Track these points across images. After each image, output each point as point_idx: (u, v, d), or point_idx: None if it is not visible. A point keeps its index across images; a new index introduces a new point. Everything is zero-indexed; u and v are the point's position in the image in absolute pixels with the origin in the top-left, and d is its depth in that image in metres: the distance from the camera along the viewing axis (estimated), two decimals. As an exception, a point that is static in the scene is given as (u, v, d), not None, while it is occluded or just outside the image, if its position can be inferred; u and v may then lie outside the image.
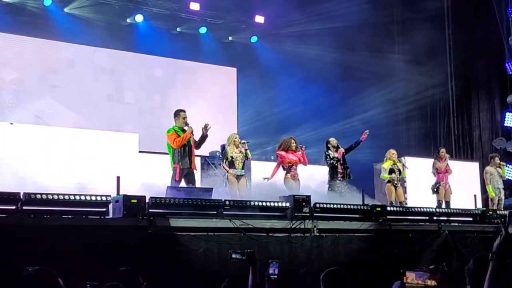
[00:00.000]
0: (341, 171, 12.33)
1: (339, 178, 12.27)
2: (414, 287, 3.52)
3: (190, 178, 10.60)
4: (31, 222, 7.89)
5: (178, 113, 10.85)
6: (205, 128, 10.92)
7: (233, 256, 5.11)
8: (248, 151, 11.63)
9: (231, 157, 11.40)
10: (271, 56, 19.26)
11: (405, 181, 14.67)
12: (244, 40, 19.68)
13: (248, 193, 11.39)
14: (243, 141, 11.68)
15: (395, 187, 13.16)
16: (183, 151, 10.55)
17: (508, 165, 16.85)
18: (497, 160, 14.76)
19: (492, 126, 19.93)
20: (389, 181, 13.17)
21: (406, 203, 14.22)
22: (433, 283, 3.47)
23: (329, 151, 12.49)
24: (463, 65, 20.18)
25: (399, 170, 13.24)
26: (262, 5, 18.62)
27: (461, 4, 19.58)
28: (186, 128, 10.66)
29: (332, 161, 12.36)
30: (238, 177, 11.38)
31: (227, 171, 11.37)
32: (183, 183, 10.70)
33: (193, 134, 10.82)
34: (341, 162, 12.41)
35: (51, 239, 7.68)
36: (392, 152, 13.41)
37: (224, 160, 11.57)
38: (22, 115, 14.72)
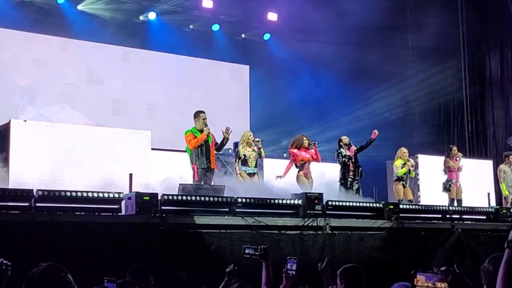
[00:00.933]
0: (352, 169, 12.31)
1: (350, 176, 12.24)
2: None
3: (209, 176, 10.60)
4: (44, 219, 7.92)
5: (198, 114, 10.86)
6: (227, 131, 10.95)
7: (247, 251, 5.10)
8: (261, 149, 11.64)
9: (244, 155, 11.40)
10: (284, 53, 19.23)
11: (418, 179, 14.61)
12: (257, 38, 19.67)
13: (261, 190, 11.39)
14: (257, 139, 11.69)
15: (404, 186, 13.10)
16: (200, 151, 10.58)
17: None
18: (511, 158, 14.65)
19: (507, 124, 19.81)
20: (398, 180, 13.11)
21: (419, 201, 14.18)
22: (444, 285, 3.44)
23: (341, 149, 12.48)
24: (477, 62, 20.07)
25: (409, 170, 13.17)
26: (275, 3, 18.59)
27: (475, 0, 19.47)
28: (204, 129, 10.65)
29: (344, 159, 12.34)
30: (250, 175, 11.38)
31: (237, 173, 11.37)
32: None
33: (211, 135, 10.80)
34: (353, 160, 12.38)
35: (64, 236, 7.72)
36: (404, 151, 13.35)
37: (237, 160, 11.56)
38: (35, 116, 14.77)
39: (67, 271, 3.19)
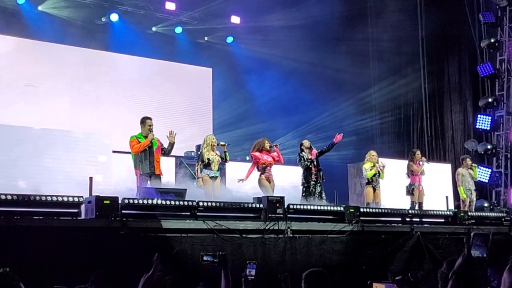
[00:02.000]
0: (315, 172, 12.37)
1: (313, 179, 12.30)
2: None
3: (154, 182, 10.53)
4: (2, 223, 7.77)
5: (144, 120, 10.78)
6: (170, 134, 10.88)
7: (205, 258, 5.06)
8: (227, 153, 11.63)
9: (208, 159, 11.36)
10: (247, 56, 19.25)
11: (379, 182, 14.75)
12: (220, 41, 19.66)
13: (223, 194, 11.39)
14: (222, 142, 11.66)
15: (374, 189, 13.21)
16: (143, 156, 10.50)
17: (479, 166, 17.04)
18: (468, 161, 14.86)
19: (464, 128, 20.16)
20: (368, 183, 13.22)
21: (380, 205, 14.31)
22: None
23: (303, 153, 12.53)
24: (436, 67, 20.40)
25: (379, 172, 13.29)
26: (238, 6, 18.61)
27: (434, 8, 19.76)
28: (149, 135, 10.60)
29: (306, 162, 12.39)
30: (213, 178, 11.37)
31: (199, 177, 11.34)
32: None
33: (157, 141, 10.73)
34: (315, 164, 12.44)
35: (22, 241, 7.60)
36: (373, 154, 13.45)
37: (200, 162, 11.53)
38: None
39: (19, 279, 3.14)
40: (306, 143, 12.67)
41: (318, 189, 12.33)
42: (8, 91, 15.78)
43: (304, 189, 12.32)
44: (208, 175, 11.32)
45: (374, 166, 13.21)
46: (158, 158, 10.67)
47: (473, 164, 15.00)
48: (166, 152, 11.00)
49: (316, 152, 12.56)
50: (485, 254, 2.63)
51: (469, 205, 14.44)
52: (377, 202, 13.15)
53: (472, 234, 2.69)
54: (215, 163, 11.41)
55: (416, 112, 20.46)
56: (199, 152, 12.12)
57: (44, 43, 16.62)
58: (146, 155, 10.50)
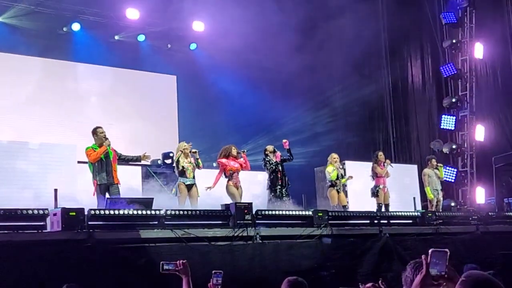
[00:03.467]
0: (280, 176, 12.37)
1: (279, 183, 12.29)
2: None
3: (112, 192, 10.44)
4: (-35, 239, 7.66)
5: (95, 130, 10.73)
6: (144, 157, 10.89)
7: (165, 267, 4.99)
8: (199, 160, 11.58)
9: (183, 166, 11.31)
10: (211, 62, 19.18)
11: (345, 185, 14.81)
12: (183, 48, 19.56)
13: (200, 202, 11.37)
14: (194, 150, 11.60)
15: (338, 192, 13.26)
16: (100, 166, 10.43)
17: (445, 167, 17.20)
18: (434, 162, 15.00)
19: (429, 128, 20.37)
20: (331, 185, 13.26)
21: (347, 207, 14.36)
22: None
23: (268, 157, 12.52)
24: (399, 69, 20.58)
25: (341, 175, 13.35)
26: (201, 12, 18.55)
27: (396, 8, 19.92)
28: (104, 142, 10.51)
29: (272, 166, 12.38)
30: (189, 186, 11.29)
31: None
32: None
33: (112, 150, 10.65)
34: (280, 169, 12.44)
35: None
36: (334, 157, 13.50)
37: (176, 170, 11.49)
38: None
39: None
40: (269, 147, 12.71)
41: (285, 193, 12.33)
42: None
43: (271, 193, 12.31)
44: (184, 183, 11.27)
45: (335, 168, 13.26)
46: (115, 167, 10.63)
47: (439, 164, 15.13)
48: (126, 160, 10.93)
49: (280, 154, 12.57)
50: (444, 271, 2.63)
51: (437, 205, 14.58)
52: (344, 206, 13.18)
53: (430, 251, 2.69)
54: (190, 170, 11.36)
55: (380, 114, 20.62)
56: (175, 160, 11.97)
57: (4, 54, 16.36)
58: (103, 165, 10.42)
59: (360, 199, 14.71)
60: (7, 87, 16.23)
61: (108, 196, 10.22)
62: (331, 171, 13.23)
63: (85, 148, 10.61)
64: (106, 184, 10.39)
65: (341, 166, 13.53)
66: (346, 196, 14.45)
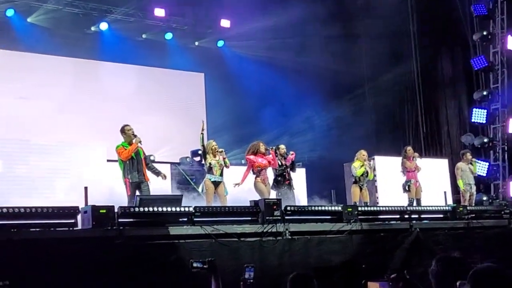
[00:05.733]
0: (287, 178, 12.25)
1: (286, 184, 12.17)
2: None
3: (143, 189, 10.48)
4: (-1, 237, 7.76)
5: (123, 129, 10.74)
6: (163, 176, 10.94)
7: (194, 265, 5.05)
8: (226, 160, 11.56)
9: (210, 163, 11.33)
10: (238, 59, 19.22)
11: (375, 181, 14.73)
12: (210, 45, 19.61)
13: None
14: (220, 149, 11.59)
15: (361, 188, 13.15)
16: (131, 165, 10.44)
17: (477, 160, 16.99)
18: (468, 156, 14.83)
19: (460, 122, 20.15)
20: (355, 182, 13.16)
21: (377, 203, 14.28)
22: None
23: (278, 157, 12.30)
24: (429, 62, 20.36)
25: (367, 172, 13.23)
26: (228, 9, 18.57)
27: (425, 2, 19.73)
28: (134, 140, 10.55)
29: (281, 168, 12.23)
30: (215, 183, 11.29)
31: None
32: None
33: (141, 148, 10.69)
34: (288, 172, 12.30)
35: (20, 253, 7.57)
36: (363, 153, 13.39)
37: (205, 167, 11.52)
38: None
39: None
40: (282, 149, 12.39)
41: (290, 193, 12.15)
42: (2, 104, 15.71)
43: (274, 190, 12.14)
44: (210, 179, 11.27)
45: (363, 165, 13.15)
46: (145, 165, 10.68)
47: (473, 159, 14.97)
48: (148, 167, 10.92)
49: (292, 158, 12.40)
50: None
51: (469, 199, 14.41)
52: (365, 202, 13.06)
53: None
54: (217, 167, 11.35)
55: (410, 108, 20.43)
56: (202, 157, 11.98)
57: (34, 54, 16.56)
58: (134, 163, 10.45)
59: (391, 195, 14.60)
60: (37, 88, 16.41)
61: (138, 194, 10.26)
62: (357, 167, 13.12)
63: (115, 146, 10.64)
64: (137, 182, 10.43)
65: (369, 164, 13.36)
66: (376, 191, 14.35)
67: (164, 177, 10.96)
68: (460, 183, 14.47)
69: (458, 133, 19.86)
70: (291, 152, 12.47)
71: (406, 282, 3.39)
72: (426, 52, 20.25)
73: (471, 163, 14.70)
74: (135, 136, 10.58)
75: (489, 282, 2.64)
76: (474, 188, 14.67)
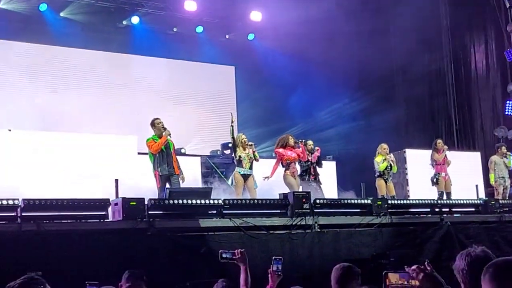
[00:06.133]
0: (313, 173, 12.24)
1: (311, 179, 12.16)
2: (398, 287, 3.48)
3: (173, 182, 10.54)
4: (31, 228, 7.89)
5: (153, 122, 10.78)
6: (182, 177, 10.90)
7: (224, 256, 5.11)
8: (256, 153, 11.59)
9: (239, 156, 11.37)
10: (269, 52, 19.20)
11: (406, 174, 14.63)
12: (241, 38, 19.61)
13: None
14: (250, 143, 11.62)
15: (386, 182, 13.06)
16: (161, 157, 10.50)
17: (511, 154, 16.75)
18: (503, 149, 14.66)
19: (494, 115, 19.86)
20: (380, 175, 13.07)
21: (408, 196, 14.19)
22: (416, 283, 3.44)
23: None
24: (462, 55, 20.12)
25: (390, 165, 13.12)
26: (258, 2, 18.56)
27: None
28: (164, 132, 10.60)
29: (308, 163, 12.23)
30: (245, 176, 11.31)
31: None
32: None
33: (171, 141, 10.74)
34: (314, 166, 12.31)
35: (51, 245, 7.70)
36: (384, 147, 13.28)
37: (235, 160, 11.57)
38: (23, 122, 14.59)
39: (45, 282, 3.13)
40: (309, 145, 12.43)
41: (317, 187, 12.17)
42: (32, 98, 15.92)
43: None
44: (239, 172, 11.30)
45: (385, 159, 13.05)
46: (175, 158, 10.73)
47: (508, 152, 14.79)
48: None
49: (318, 155, 12.40)
50: None
51: (503, 193, 14.23)
52: (392, 196, 12.98)
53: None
54: (247, 160, 11.37)
55: (442, 102, 20.21)
56: (232, 150, 12.03)
57: (67, 48, 16.78)
58: (164, 156, 10.51)
59: (422, 188, 14.48)
60: (69, 82, 16.61)
61: (169, 186, 10.34)
62: (379, 161, 13.04)
63: (146, 139, 10.72)
64: (167, 174, 10.50)
65: (392, 158, 13.24)
66: (407, 184, 14.26)
67: (182, 178, 10.95)
68: (491, 177, 14.31)
69: (491, 126, 19.59)
70: (316, 148, 12.47)
71: (426, 273, 3.37)
72: (459, 43, 20.01)
73: (505, 157, 14.53)
74: (165, 129, 10.64)
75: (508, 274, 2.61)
76: (508, 181, 14.48)
